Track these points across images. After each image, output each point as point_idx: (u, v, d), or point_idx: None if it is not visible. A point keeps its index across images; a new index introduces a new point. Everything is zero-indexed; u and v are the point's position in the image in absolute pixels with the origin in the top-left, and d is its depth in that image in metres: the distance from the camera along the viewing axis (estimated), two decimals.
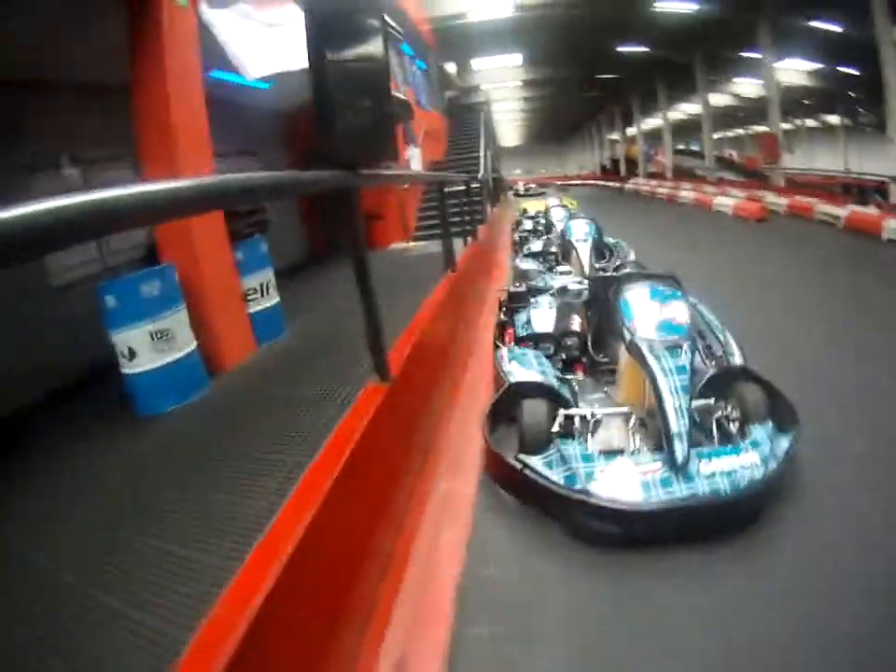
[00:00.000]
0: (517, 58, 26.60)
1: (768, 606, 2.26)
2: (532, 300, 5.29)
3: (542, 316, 4.78)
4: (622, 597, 2.37)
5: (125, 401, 4.38)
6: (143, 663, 1.93)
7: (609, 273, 5.39)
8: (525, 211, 14.98)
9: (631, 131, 38.40)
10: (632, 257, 7.70)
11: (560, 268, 7.46)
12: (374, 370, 2.62)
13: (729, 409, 3.30)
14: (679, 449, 2.80)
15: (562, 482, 2.79)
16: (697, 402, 3.33)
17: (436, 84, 19.28)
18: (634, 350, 3.43)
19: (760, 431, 3.01)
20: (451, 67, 24.43)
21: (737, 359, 3.97)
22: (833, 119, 37.17)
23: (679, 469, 2.75)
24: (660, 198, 24.32)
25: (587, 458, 2.90)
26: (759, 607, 2.27)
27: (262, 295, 5.78)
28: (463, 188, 7.60)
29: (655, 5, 18.41)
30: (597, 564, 2.56)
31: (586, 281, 5.12)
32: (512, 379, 3.66)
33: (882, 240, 10.76)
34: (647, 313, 3.61)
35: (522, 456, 3.00)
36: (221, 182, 1.53)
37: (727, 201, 16.84)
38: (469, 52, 24.29)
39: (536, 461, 2.95)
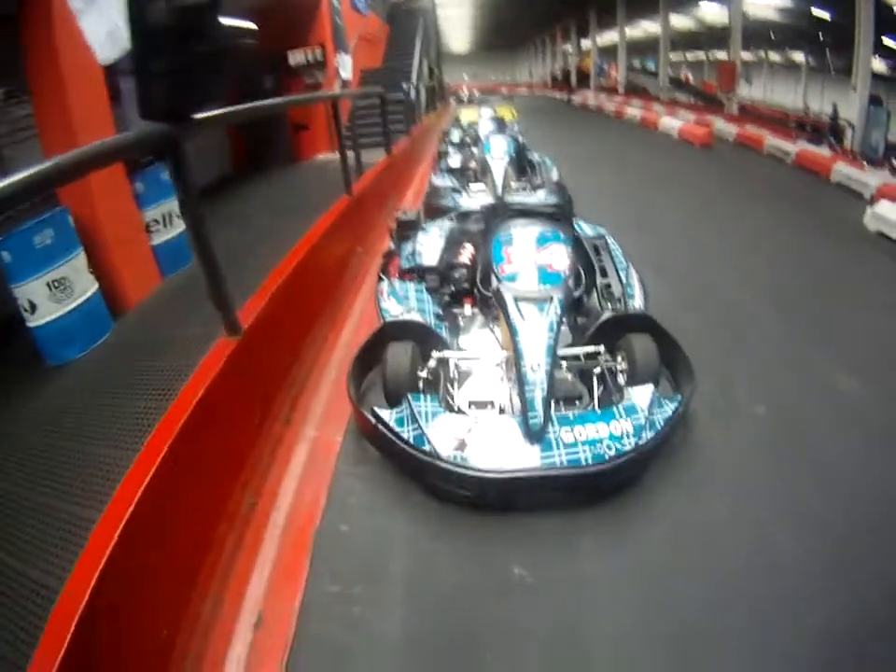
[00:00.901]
0: None
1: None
2: (424, 226, 5.00)
3: (430, 246, 4.43)
4: (473, 563, 2.44)
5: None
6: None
7: (502, 201, 5.21)
8: (457, 121, 14.25)
9: (586, 44, 37.66)
10: (554, 176, 7.47)
11: (473, 186, 7.23)
12: (223, 325, 2.66)
13: (619, 360, 3.21)
14: (535, 416, 2.67)
15: (411, 440, 2.70)
16: (582, 350, 3.29)
17: None
18: (498, 299, 3.26)
19: (640, 394, 2.87)
20: None
21: (638, 302, 3.82)
22: (798, 57, 37.41)
23: (533, 438, 2.63)
24: (607, 113, 23.96)
25: (437, 416, 2.78)
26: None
27: (165, 226, 5.82)
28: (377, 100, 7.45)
29: None
30: (453, 524, 2.62)
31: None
32: (387, 317, 3.57)
33: (830, 182, 10.79)
34: (519, 256, 3.41)
35: (376, 409, 2.89)
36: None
37: (674, 122, 16.59)
38: None
39: (390, 415, 2.84)
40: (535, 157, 8.34)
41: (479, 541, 2.54)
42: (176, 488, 2.07)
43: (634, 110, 21.10)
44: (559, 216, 4.00)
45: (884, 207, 7.50)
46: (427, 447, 2.65)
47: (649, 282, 4.33)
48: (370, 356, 3.39)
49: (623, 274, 4.06)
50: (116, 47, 4.40)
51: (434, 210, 5.95)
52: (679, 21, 33.05)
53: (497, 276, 3.36)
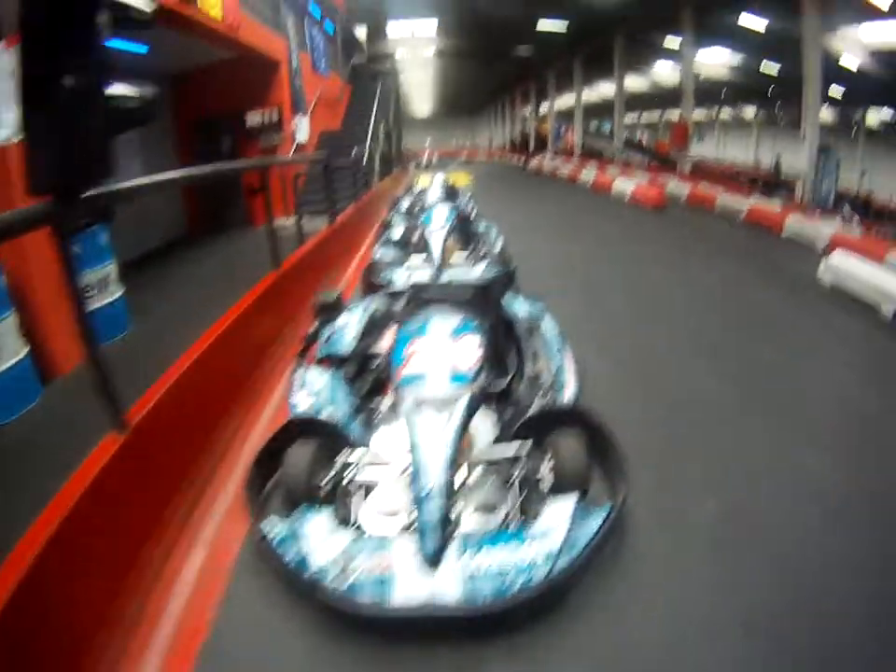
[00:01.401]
0: (433, 25, 26.16)
1: None
2: (349, 306, 4.63)
3: (349, 330, 4.08)
4: None
5: None
6: None
7: (425, 283, 4.66)
8: (409, 188, 13.68)
9: (545, 107, 38.62)
10: (498, 246, 7.04)
11: (412, 260, 6.75)
12: (110, 420, 2.43)
13: (543, 462, 2.81)
14: (430, 541, 2.32)
15: (295, 560, 2.37)
16: (503, 452, 2.91)
17: (340, 48, 18.83)
18: (397, 402, 2.94)
19: (559, 508, 2.50)
20: (363, 32, 23.78)
21: (569, 392, 3.45)
22: (750, 112, 38.99)
23: (429, 565, 2.29)
24: (561, 177, 23.59)
25: (325, 535, 2.45)
26: None
27: (101, 291, 5.61)
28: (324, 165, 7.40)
29: None
30: (346, 649, 2.29)
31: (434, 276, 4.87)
32: (295, 412, 3.26)
33: (783, 236, 10.93)
34: (424, 354, 3.06)
35: (265, 523, 2.54)
36: None
37: (626, 185, 16.56)
38: (383, 15, 23.72)
39: (280, 529, 2.50)
40: (481, 226, 8.01)
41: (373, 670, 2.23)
42: (50, 592, 1.84)
43: (587, 174, 20.83)
44: (486, 297, 3.78)
45: (837, 259, 7.49)
46: (308, 571, 2.31)
47: (588, 350, 4.12)
48: (274, 456, 2.98)
49: (556, 359, 3.73)
50: (4, 129, 4.31)
51: (371, 286, 5.65)
52: (635, 83, 34.27)
53: (396, 377, 3.03)
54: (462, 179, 16.66)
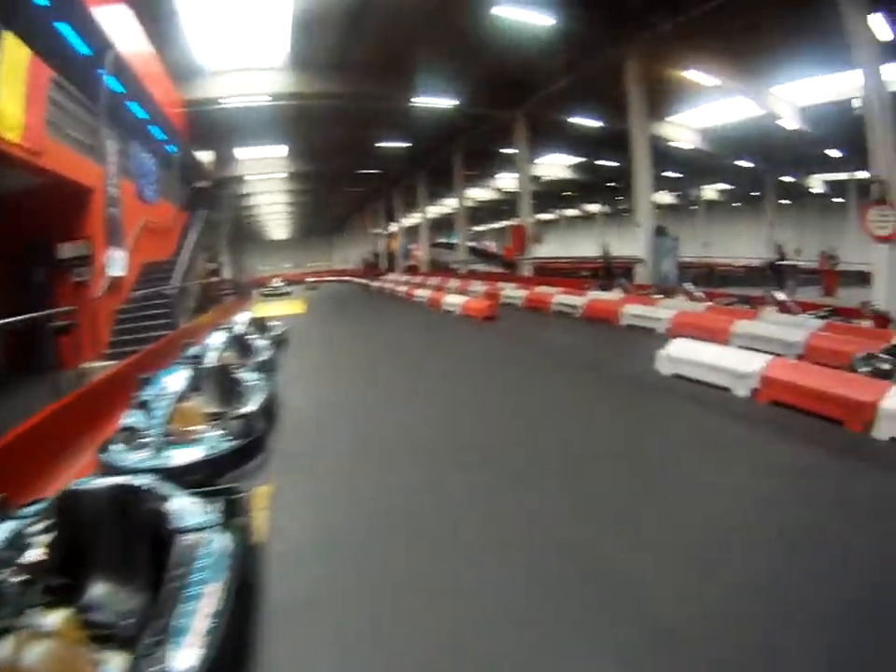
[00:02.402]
0: (283, 149, 25.93)
1: None
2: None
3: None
4: None
5: None
6: None
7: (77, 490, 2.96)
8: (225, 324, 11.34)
9: (395, 225, 39.13)
10: (256, 405, 5.54)
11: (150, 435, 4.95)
12: None
13: None
14: None
15: None
16: None
17: (177, 172, 17.90)
18: None
19: None
20: (211, 155, 22.93)
21: (188, 657, 2.02)
22: (593, 208, 41.51)
23: None
24: (399, 296, 22.49)
25: None
26: None
27: None
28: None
29: (413, 100, 18.26)
30: None
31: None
32: None
33: (622, 326, 10.53)
34: None
35: None
36: None
37: (456, 300, 15.86)
38: (231, 140, 23.10)
39: None
40: (248, 377, 6.47)
41: None
42: None
43: (423, 291, 19.93)
44: (138, 504, 2.79)
45: (676, 347, 6.81)
46: None
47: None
48: None
49: (190, 603, 2.31)
50: None
51: (105, 467, 4.34)
52: (482, 193, 35.60)
53: None
54: (296, 307, 15.87)
